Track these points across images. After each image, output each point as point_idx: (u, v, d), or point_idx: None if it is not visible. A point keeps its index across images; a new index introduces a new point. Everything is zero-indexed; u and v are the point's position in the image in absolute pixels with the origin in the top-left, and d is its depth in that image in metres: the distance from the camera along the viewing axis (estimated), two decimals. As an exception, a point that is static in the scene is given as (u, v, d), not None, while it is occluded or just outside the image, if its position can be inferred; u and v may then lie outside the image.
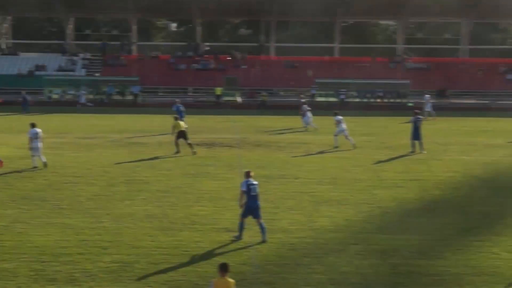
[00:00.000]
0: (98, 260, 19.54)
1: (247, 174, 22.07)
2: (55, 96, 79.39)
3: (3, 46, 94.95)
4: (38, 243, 20.89)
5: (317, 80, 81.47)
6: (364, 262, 19.91)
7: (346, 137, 42.68)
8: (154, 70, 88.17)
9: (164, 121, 57.15)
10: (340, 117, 43.27)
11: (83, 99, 74.92)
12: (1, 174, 32.01)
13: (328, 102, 77.06)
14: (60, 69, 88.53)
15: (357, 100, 79.71)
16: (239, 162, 36.84)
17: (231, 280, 14.98)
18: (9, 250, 20.13)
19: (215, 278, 15.31)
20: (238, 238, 21.82)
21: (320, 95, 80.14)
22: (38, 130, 34.29)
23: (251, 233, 21.92)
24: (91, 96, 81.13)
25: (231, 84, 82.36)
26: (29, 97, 68.27)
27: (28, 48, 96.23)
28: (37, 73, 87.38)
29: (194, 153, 39.11)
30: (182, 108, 52.00)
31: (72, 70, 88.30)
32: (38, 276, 18.15)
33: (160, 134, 48.63)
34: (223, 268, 15.06)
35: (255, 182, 21.86)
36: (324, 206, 26.43)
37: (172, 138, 40.59)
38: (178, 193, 28.56)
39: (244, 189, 21.62)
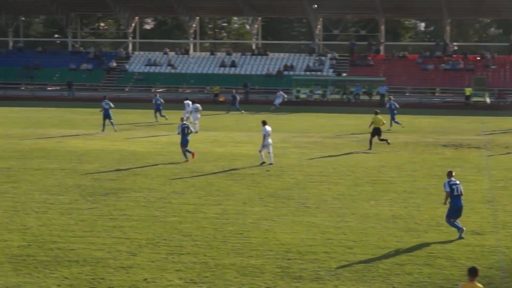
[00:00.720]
0: (343, 259, 19.56)
1: (449, 174, 22.00)
2: (302, 96, 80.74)
3: (253, 47, 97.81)
4: (284, 241, 21.23)
5: None
6: None
7: None
8: (401, 70, 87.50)
9: (413, 121, 56.61)
10: None
11: (278, 100, 70.72)
12: (250, 172, 32.93)
13: None
14: (308, 69, 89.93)
15: None
16: (487, 164, 35.77)
17: (479, 285, 14.44)
18: (256, 247, 20.59)
19: (462, 282, 14.85)
20: (461, 229, 21.68)
21: None
22: (269, 128, 35.21)
23: (499, 236, 21.16)
24: (337, 96, 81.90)
25: (479, 84, 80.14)
26: (238, 96, 69.14)
27: (277, 49, 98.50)
28: (285, 73, 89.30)
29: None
30: None
31: (320, 70, 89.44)
32: (283, 273, 18.43)
33: (406, 135, 48.17)
34: (473, 272, 14.56)
35: (457, 182, 21.73)
36: None
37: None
38: (424, 194, 28.13)
39: (448, 190, 21.58)
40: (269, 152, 35.12)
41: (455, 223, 21.77)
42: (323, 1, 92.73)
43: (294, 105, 74.97)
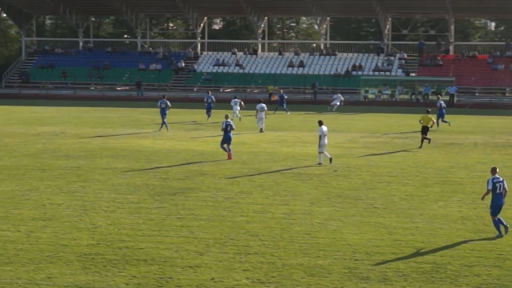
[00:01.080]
0: (411, 260, 19.40)
1: (494, 171, 21.93)
2: (371, 96, 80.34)
3: (322, 47, 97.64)
4: (352, 241, 21.13)
5: None
6: None
7: None
8: (471, 70, 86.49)
9: (483, 122, 55.94)
10: None
11: (336, 102, 69.24)
12: (317, 173, 32.86)
13: None
14: (377, 69, 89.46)
15: None
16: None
17: None
18: (324, 247, 20.52)
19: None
20: (499, 236, 21.60)
21: None
22: (325, 128, 35.15)
23: None
24: (406, 96, 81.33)
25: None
26: (285, 96, 68.46)
27: (346, 48, 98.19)
28: (353, 73, 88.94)
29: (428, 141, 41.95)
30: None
31: (389, 70, 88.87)
32: (351, 274, 18.34)
33: (475, 135, 47.58)
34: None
35: (501, 179, 21.71)
36: None
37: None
38: (494, 196, 27.72)
39: (490, 187, 21.59)
40: (324, 152, 35.07)
41: (497, 220, 21.70)
42: (393, 1, 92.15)
43: (362, 105, 74.68)
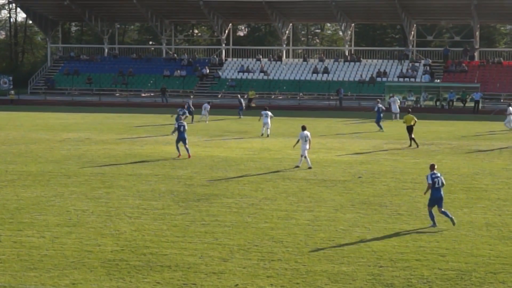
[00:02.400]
0: (435, 267, 19.31)
1: (432, 167, 24.07)
2: (396, 102, 79.97)
3: (346, 53, 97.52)
4: (376, 248, 21.07)
5: None
6: None
7: None
8: (496, 76, 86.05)
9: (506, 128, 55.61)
10: None
11: (395, 107, 67.43)
12: (342, 179, 32.80)
13: None
14: (402, 75, 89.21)
15: None
16: None
17: None
18: (348, 254, 20.48)
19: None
20: (433, 225, 23.60)
21: None
22: (308, 133, 36.08)
23: None
24: (430, 103, 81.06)
25: None
26: (244, 101, 69.80)
27: (370, 55, 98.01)
28: (378, 79, 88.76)
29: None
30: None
31: (413, 77, 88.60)
32: (375, 280, 18.28)
33: (501, 142, 47.32)
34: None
35: (438, 174, 23.73)
36: None
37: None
38: (520, 203, 27.58)
39: (430, 182, 23.62)
40: (305, 157, 35.75)
41: (443, 211, 23.76)
42: (418, 7, 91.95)
43: (386, 112, 74.38)
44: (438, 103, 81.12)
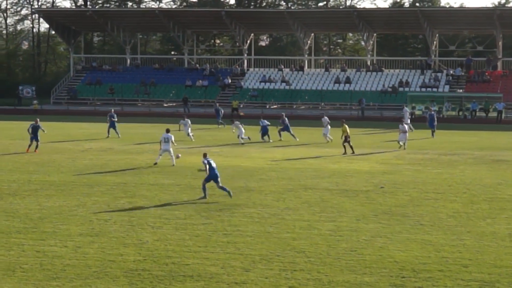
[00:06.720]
0: (458, 278, 19.21)
1: (205, 155, 30.62)
2: (418, 113, 79.77)
3: (368, 63, 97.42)
4: (399, 258, 20.99)
5: None
6: None
7: None
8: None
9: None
10: None
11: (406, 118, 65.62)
12: (364, 189, 32.72)
13: None
14: (424, 85, 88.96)
15: None
16: None
17: None
18: (370, 264, 20.41)
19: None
20: (204, 197, 29.93)
21: None
22: (170, 135, 40.04)
23: None
24: (453, 113, 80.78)
25: None
26: (222, 109, 69.72)
27: (392, 65, 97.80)
28: (400, 89, 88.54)
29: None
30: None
31: (435, 87, 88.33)
32: (397, 291, 18.24)
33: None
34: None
35: (211, 160, 30.23)
36: None
37: None
38: (543, 214, 27.40)
39: (205, 162, 30.00)
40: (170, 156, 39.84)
41: (223, 187, 30.03)
42: (440, 17, 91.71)
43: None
44: (460, 113, 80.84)
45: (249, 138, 52.82)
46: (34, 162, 41.27)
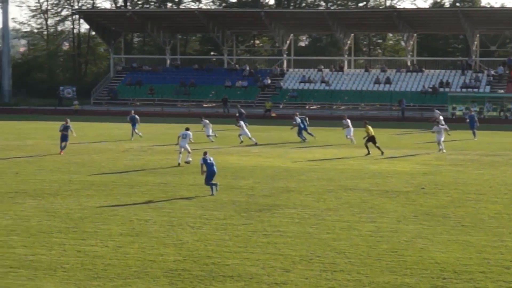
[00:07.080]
0: (499, 279, 19.04)
1: (204, 154, 31.77)
2: (458, 113, 79.14)
3: (408, 63, 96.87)
4: (440, 260, 20.84)
5: None
6: None
7: None
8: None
9: None
10: None
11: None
12: (404, 190, 32.54)
13: None
14: (464, 85, 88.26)
15: None
16: None
17: None
18: (411, 265, 20.30)
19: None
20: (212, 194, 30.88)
21: None
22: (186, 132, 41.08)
23: None
24: (494, 113, 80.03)
25: None
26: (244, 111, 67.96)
27: (433, 65, 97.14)
28: (441, 89, 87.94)
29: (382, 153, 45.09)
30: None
31: (477, 87, 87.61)
32: (438, 292, 18.11)
33: None
34: None
35: (211, 158, 31.52)
36: None
37: None
38: None
39: (202, 162, 31.26)
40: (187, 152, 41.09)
41: (212, 183, 31.10)
42: (481, 17, 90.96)
43: (449, 122, 73.58)
44: (502, 113, 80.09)
45: (216, 134, 54.96)
46: (75, 162, 41.59)
